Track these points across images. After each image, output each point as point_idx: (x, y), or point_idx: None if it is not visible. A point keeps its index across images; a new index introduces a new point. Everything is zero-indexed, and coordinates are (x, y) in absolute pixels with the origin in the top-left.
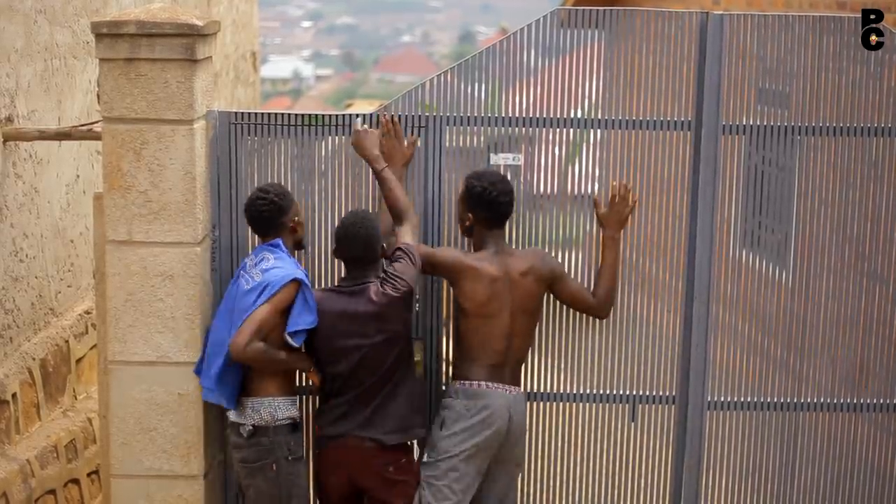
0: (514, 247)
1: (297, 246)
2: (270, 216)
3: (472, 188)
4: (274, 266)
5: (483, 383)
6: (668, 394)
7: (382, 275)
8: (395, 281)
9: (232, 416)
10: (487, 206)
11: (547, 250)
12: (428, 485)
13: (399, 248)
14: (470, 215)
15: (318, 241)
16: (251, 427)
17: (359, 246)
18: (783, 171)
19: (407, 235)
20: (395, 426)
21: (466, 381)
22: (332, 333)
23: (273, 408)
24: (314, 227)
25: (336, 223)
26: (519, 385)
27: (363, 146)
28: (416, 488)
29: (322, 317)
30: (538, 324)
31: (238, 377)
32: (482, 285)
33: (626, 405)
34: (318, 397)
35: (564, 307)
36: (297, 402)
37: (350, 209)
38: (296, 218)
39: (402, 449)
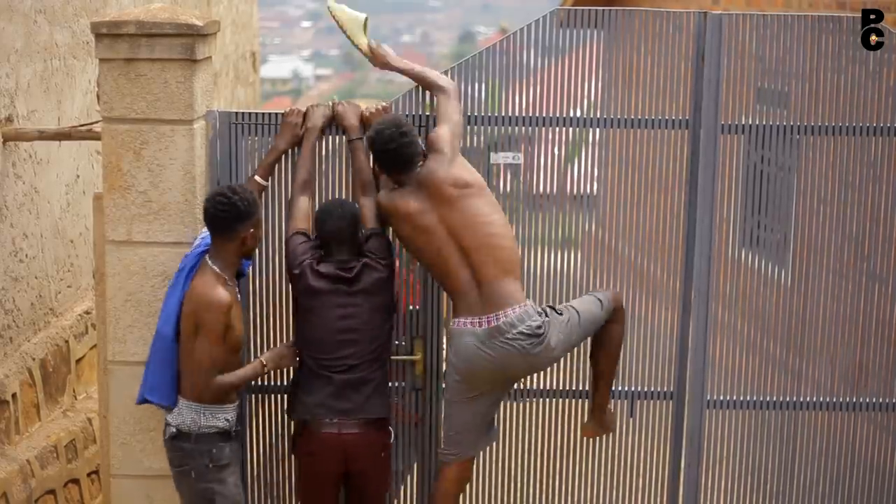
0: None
1: (245, 255)
2: (226, 218)
3: (366, 140)
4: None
5: (456, 321)
6: (666, 390)
7: (367, 257)
8: (381, 261)
9: (166, 413)
10: (378, 157)
11: (547, 250)
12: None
13: (372, 230)
14: (375, 166)
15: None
16: (174, 429)
17: (344, 224)
18: (782, 171)
19: (368, 205)
20: (385, 408)
21: (454, 319)
22: (322, 314)
23: (198, 414)
24: (314, 226)
25: None
26: (497, 310)
27: (345, 116)
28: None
29: (313, 296)
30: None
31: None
32: (409, 220)
33: (625, 401)
34: (296, 382)
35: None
36: (234, 409)
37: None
38: (251, 230)
39: (389, 434)
